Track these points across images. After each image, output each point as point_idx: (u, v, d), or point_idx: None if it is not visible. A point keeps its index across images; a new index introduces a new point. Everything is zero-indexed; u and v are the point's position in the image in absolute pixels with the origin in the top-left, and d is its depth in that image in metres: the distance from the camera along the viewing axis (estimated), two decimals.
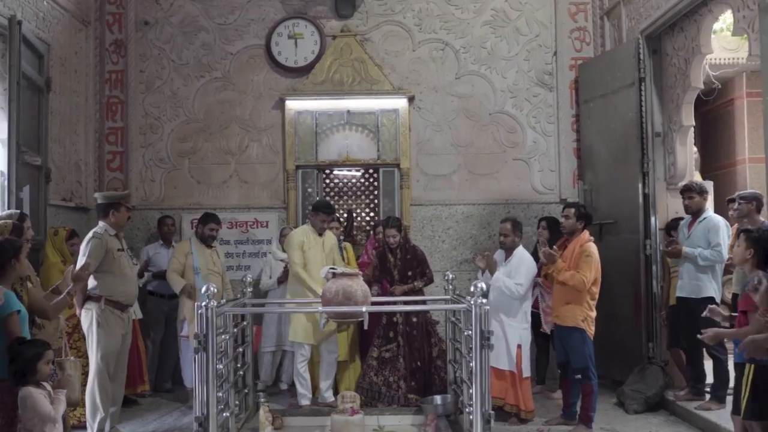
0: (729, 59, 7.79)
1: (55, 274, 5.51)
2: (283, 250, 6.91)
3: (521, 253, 5.76)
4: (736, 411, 4.05)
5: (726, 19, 6.40)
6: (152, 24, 7.89)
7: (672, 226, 6.43)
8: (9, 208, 5.19)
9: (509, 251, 5.81)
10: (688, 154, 6.58)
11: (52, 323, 4.49)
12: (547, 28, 7.94)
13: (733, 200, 5.92)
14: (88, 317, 5.31)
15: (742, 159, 8.66)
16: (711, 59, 7.26)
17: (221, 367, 4.76)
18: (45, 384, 3.67)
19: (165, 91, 7.89)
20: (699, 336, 4.01)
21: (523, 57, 7.93)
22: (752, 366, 3.74)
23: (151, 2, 7.89)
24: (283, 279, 6.86)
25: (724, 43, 7.52)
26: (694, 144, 8.47)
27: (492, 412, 4.53)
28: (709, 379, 5.94)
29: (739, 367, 3.97)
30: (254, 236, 7.77)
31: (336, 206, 7.63)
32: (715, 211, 6.23)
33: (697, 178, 7.24)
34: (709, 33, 5.97)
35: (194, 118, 7.89)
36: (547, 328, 6.39)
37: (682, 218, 6.19)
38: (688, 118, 6.43)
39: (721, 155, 9.15)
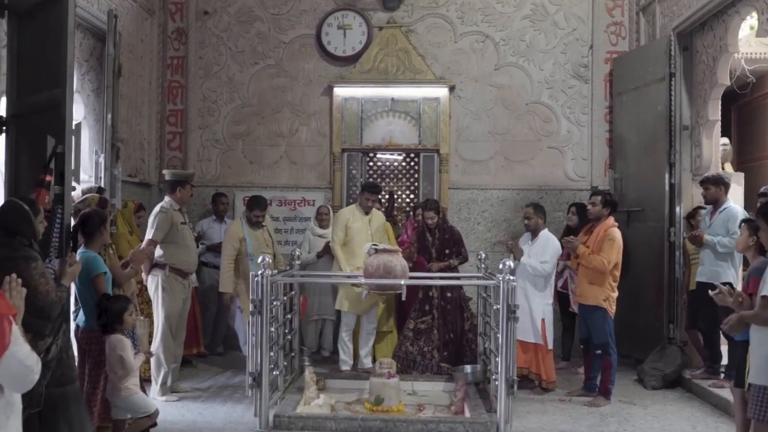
0: (765, 54, 7.98)
1: (123, 244, 6.07)
2: (321, 227, 7.47)
3: (546, 235, 6.21)
4: (738, 383, 4.42)
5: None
6: (211, 13, 8.44)
7: (691, 215, 6.78)
8: (103, 184, 5.80)
9: (534, 233, 6.27)
10: (714, 147, 6.89)
11: (128, 286, 5.09)
12: (585, 22, 8.27)
13: (763, 194, 6.18)
14: (154, 282, 5.93)
15: None
16: (747, 53, 7.52)
17: (273, 330, 5.34)
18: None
19: (222, 77, 8.45)
20: (722, 328, 4.27)
21: (560, 50, 8.28)
22: None
23: None
24: (322, 254, 7.36)
25: (760, 38, 7.75)
26: (730, 136, 8.74)
27: (516, 378, 5.03)
28: (725, 360, 6.27)
29: (743, 344, 4.35)
30: (302, 214, 8.31)
31: (381, 189, 8.09)
32: (745, 203, 6.55)
33: (729, 169, 7.51)
34: (736, 33, 6.26)
35: (248, 102, 8.44)
36: (575, 308, 6.80)
37: (703, 208, 6.54)
38: (714, 113, 6.74)
39: (756, 148, 9.36)
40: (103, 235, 4.40)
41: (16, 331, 2.21)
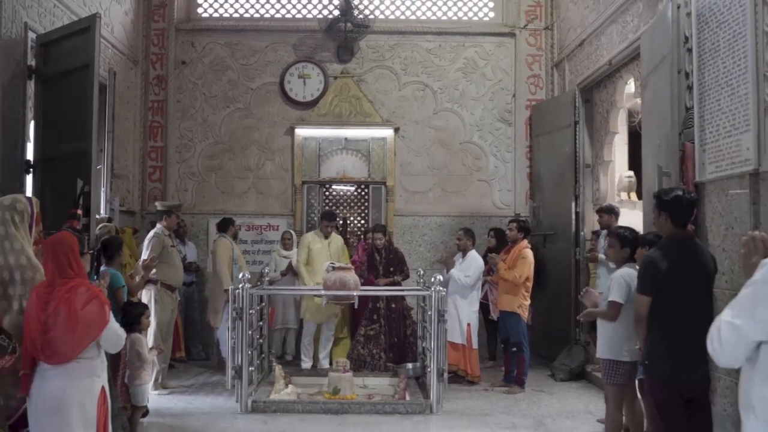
0: None
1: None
2: (285, 249, 8.70)
3: (473, 255, 7.56)
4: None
5: None
6: (188, 63, 9.66)
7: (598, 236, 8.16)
8: (103, 213, 6.95)
9: (464, 252, 7.62)
10: (609, 182, 8.36)
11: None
12: (508, 74, 9.73)
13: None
14: (147, 295, 7.06)
15: None
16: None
17: (251, 332, 6.57)
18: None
19: (197, 118, 9.65)
20: (578, 317, 5.63)
21: (489, 98, 9.72)
22: None
23: (188, 45, 9.67)
24: (285, 272, 8.52)
25: None
26: (637, 169, 10.05)
27: (445, 368, 6.37)
28: None
29: None
30: (267, 237, 9.53)
31: (337, 217, 9.30)
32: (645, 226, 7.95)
33: (634, 198, 8.59)
34: (622, 91, 7.74)
35: (220, 140, 9.64)
36: (494, 316, 8.14)
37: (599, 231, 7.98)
38: (608, 154, 8.23)
39: None
40: (121, 256, 5.59)
41: (110, 312, 3.47)
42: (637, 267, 4.37)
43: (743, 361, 2.25)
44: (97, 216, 5.89)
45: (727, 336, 2.23)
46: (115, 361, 5.38)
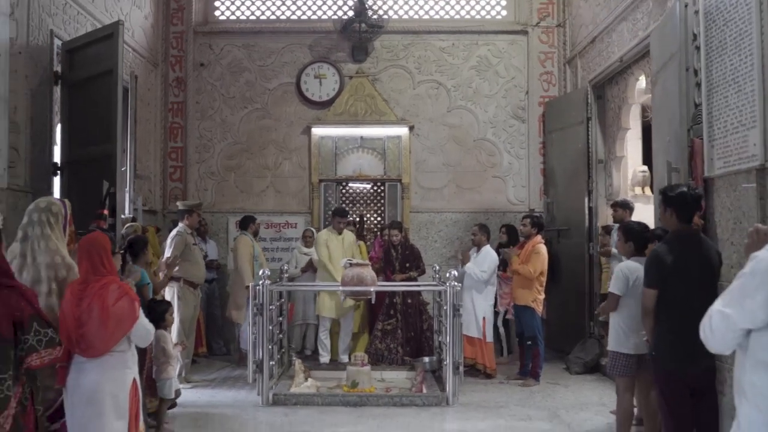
0: None
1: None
2: (306, 247, 8.88)
3: (488, 250, 7.70)
4: None
5: None
6: (206, 65, 9.87)
7: (607, 231, 8.31)
8: (127, 213, 7.17)
9: (479, 247, 7.75)
10: (621, 177, 8.46)
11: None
12: (521, 72, 9.86)
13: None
14: (170, 292, 7.28)
15: None
16: None
17: (271, 327, 6.75)
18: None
19: (216, 119, 9.86)
20: (595, 312, 5.81)
21: (502, 95, 9.85)
22: None
23: (206, 47, 9.87)
24: (306, 269, 8.73)
25: None
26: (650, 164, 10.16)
27: (461, 361, 6.52)
28: None
29: None
30: (285, 235, 9.73)
31: (350, 212, 9.48)
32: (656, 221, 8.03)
33: (648, 193, 8.73)
34: (633, 88, 7.84)
35: (239, 140, 9.85)
36: (501, 309, 8.27)
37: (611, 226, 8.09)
38: (621, 150, 8.33)
39: None
40: (146, 254, 5.79)
41: (140, 308, 3.66)
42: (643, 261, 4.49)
43: (733, 348, 2.39)
44: (122, 216, 6.09)
45: (717, 324, 2.37)
46: (140, 357, 5.60)
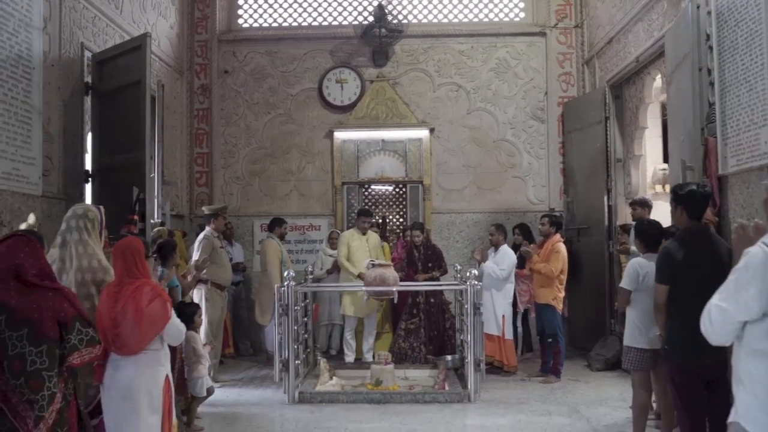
0: None
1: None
2: (332, 248, 9.05)
3: (506, 249, 7.82)
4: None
5: None
6: (230, 72, 10.09)
7: (626, 230, 8.38)
8: (156, 218, 7.40)
9: (496, 247, 7.88)
10: (640, 175, 8.53)
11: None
12: (540, 73, 9.95)
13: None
14: (198, 295, 7.49)
15: None
16: None
17: (296, 328, 6.93)
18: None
19: (240, 125, 10.09)
20: (614, 306, 5.94)
21: (521, 96, 9.95)
22: None
23: (230, 55, 10.10)
24: (331, 270, 8.91)
25: None
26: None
27: (482, 359, 6.65)
28: None
29: None
30: (309, 237, 9.92)
31: (373, 214, 9.66)
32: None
33: (668, 189, 8.95)
34: (650, 88, 7.92)
35: (263, 145, 10.06)
36: (521, 307, 8.37)
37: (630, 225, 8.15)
38: (639, 149, 8.41)
39: None
40: (175, 257, 5.99)
41: (172, 309, 3.86)
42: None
43: (732, 339, 2.52)
44: (152, 221, 6.31)
45: (716, 317, 2.50)
46: (171, 356, 5.81)
